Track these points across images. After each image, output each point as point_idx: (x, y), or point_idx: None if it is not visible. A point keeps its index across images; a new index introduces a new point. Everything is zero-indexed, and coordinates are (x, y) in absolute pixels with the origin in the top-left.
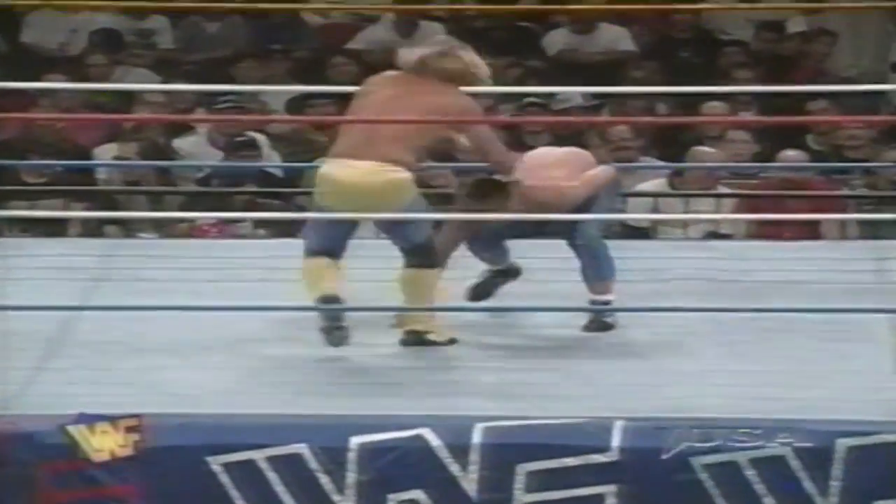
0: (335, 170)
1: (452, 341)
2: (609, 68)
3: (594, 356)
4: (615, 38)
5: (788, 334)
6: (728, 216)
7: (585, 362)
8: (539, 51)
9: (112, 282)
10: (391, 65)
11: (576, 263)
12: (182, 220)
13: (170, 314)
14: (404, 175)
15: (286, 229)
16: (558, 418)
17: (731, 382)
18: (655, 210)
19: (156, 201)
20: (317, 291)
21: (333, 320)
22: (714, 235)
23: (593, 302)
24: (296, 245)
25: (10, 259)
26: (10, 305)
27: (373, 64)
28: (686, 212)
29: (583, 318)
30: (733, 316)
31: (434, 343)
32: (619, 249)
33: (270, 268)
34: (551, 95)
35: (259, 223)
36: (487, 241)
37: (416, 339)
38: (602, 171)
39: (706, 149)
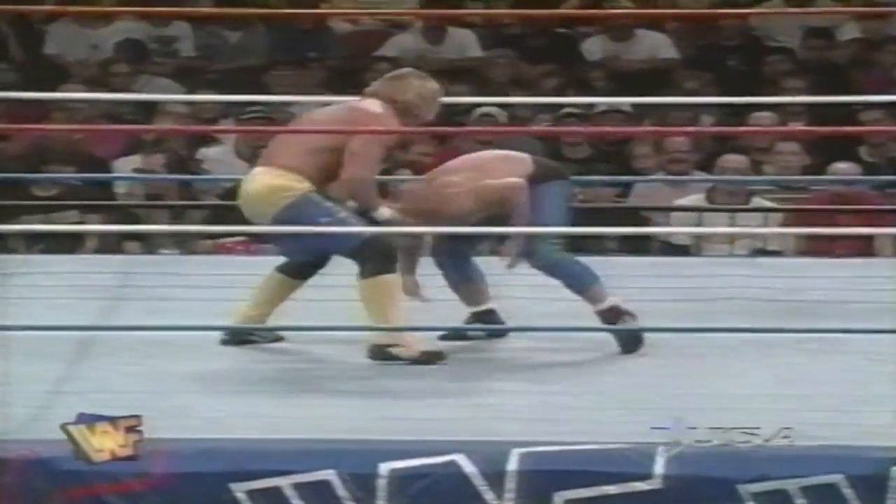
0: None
1: (430, 358)
2: (651, 77)
3: (636, 378)
4: (655, 46)
5: (840, 356)
6: (775, 231)
7: (626, 384)
8: (579, 58)
9: (131, 301)
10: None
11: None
12: (205, 236)
13: (191, 335)
14: (281, 180)
15: None
16: (598, 444)
17: (780, 406)
18: (698, 226)
19: (177, 216)
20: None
21: None
22: (761, 252)
23: (598, 313)
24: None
25: (25, 276)
26: (22, 326)
27: None
28: (731, 227)
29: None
30: (782, 336)
31: (398, 358)
32: (661, 267)
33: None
34: (591, 105)
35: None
36: (450, 257)
37: (380, 354)
38: (509, 183)
39: (736, 157)
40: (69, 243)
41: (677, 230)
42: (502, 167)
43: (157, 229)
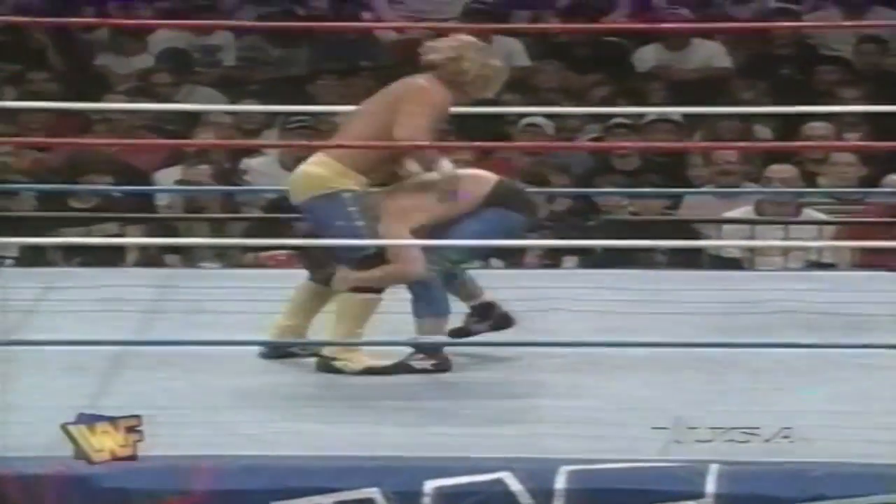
0: None
1: (376, 371)
2: (704, 86)
3: (687, 394)
4: (710, 55)
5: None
6: (829, 244)
7: (676, 400)
8: (629, 68)
9: (170, 314)
10: None
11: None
12: (248, 249)
13: (232, 349)
14: (323, 170)
15: None
16: (648, 461)
17: (836, 423)
18: (750, 238)
19: (219, 228)
20: None
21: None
22: (815, 265)
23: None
24: None
25: (64, 290)
26: (59, 340)
27: None
28: (784, 240)
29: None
30: (837, 352)
31: (342, 372)
32: (711, 281)
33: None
34: (641, 115)
35: None
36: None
37: (325, 365)
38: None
39: (784, 167)
40: (109, 256)
41: (728, 243)
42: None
43: (199, 242)
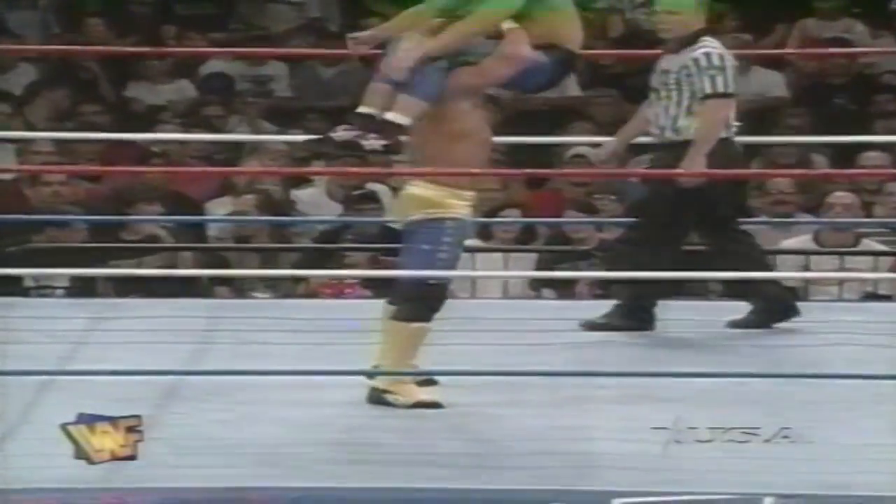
0: None
1: (427, 405)
2: (759, 115)
3: (741, 425)
4: (769, 84)
5: None
6: (886, 275)
7: (729, 434)
8: None
9: (220, 345)
10: (520, 111)
11: None
12: (296, 279)
13: (277, 381)
14: (427, 192)
15: None
16: (702, 494)
17: (893, 458)
18: (806, 269)
19: (269, 259)
20: None
21: None
22: (872, 297)
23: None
24: None
25: (115, 321)
26: (109, 371)
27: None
28: (840, 271)
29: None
30: (894, 384)
31: (392, 405)
32: None
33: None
34: None
35: (369, 282)
36: None
37: (376, 397)
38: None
39: (845, 194)
40: (160, 287)
41: (785, 275)
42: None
43: (248, 273)
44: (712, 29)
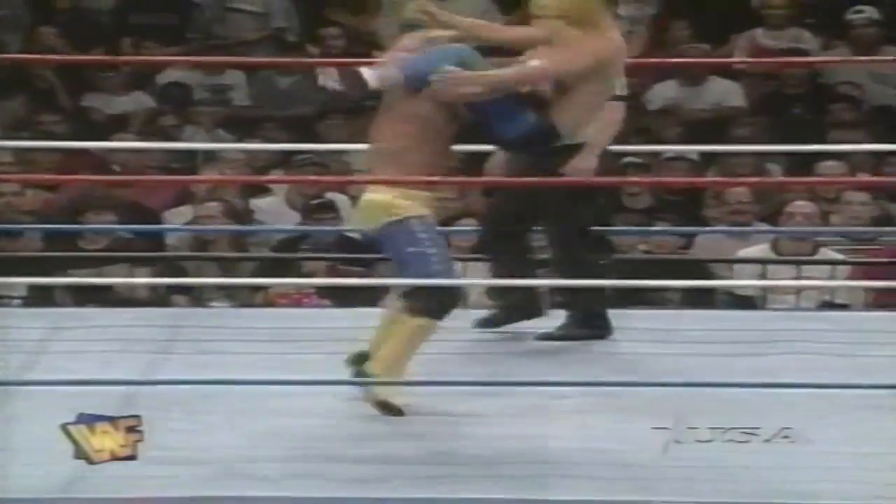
0: None
1: (391, 409)
2: (716, 125)
3: (706, 441)
4: (725, 93)
5: None
6: (843, 283)
7: (691, 442)
8: (641, 106)
9: (178, 354)
10: None
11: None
12: (255, 287)
13: (240, 390)
14: (382, 196)
15: (365, 298)
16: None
17: (851, 466)
18: (764, 278)
19: (228, 268)
20: None
21: None
22: (829, 305)
23: None
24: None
25: (73, 330)
26: (70, 381)
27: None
28: (797, 279)
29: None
30: (850, 393)
31: (364, 390)
32: (725, 320)
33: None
34: (655, 154)
35: (326, 291)
36: None
37: (360, 372)
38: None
39: (804, 203)
40: (117, 296)
41: (742, 283)
42: None
43: (208, 282)
44: None
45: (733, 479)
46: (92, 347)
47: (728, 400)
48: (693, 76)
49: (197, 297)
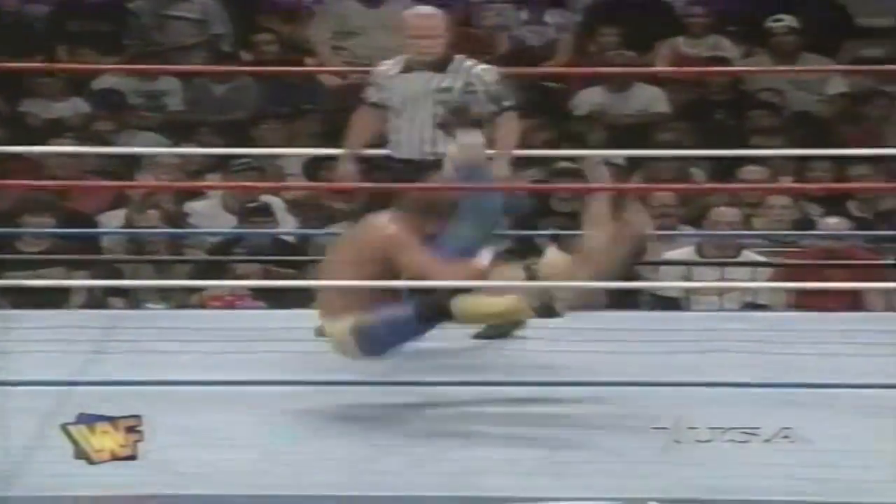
0: None
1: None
2: (641, 130)
3: (621, 431)
4: (650, 99)
5: (831, 411)
6: (765, 285)
7: (612, 437)
8: (567, 112)
9: (115, 354)
10: None
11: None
12: (190, 290)
13: (176, 389)
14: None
15: (298, 299)
16: (584, 500)
17: (772, 461)
18: (687, 279)
19: (164, 270)
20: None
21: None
22: (751, 306)
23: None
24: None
25: (10, 332)
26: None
27: None
28: (721, 281)
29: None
30: (773, 391)
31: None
32: (649, 321)
33: (283, 339)
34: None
35: (260, 293)
36: None
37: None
38: None
39: (728, 209)
40: (55, 299)
41: (666, 285)
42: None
43: (144, 284)
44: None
45: (650, 476)
46: (29, 348)
47: (653, 396)
48: (619, 83)
49: (133, 299)
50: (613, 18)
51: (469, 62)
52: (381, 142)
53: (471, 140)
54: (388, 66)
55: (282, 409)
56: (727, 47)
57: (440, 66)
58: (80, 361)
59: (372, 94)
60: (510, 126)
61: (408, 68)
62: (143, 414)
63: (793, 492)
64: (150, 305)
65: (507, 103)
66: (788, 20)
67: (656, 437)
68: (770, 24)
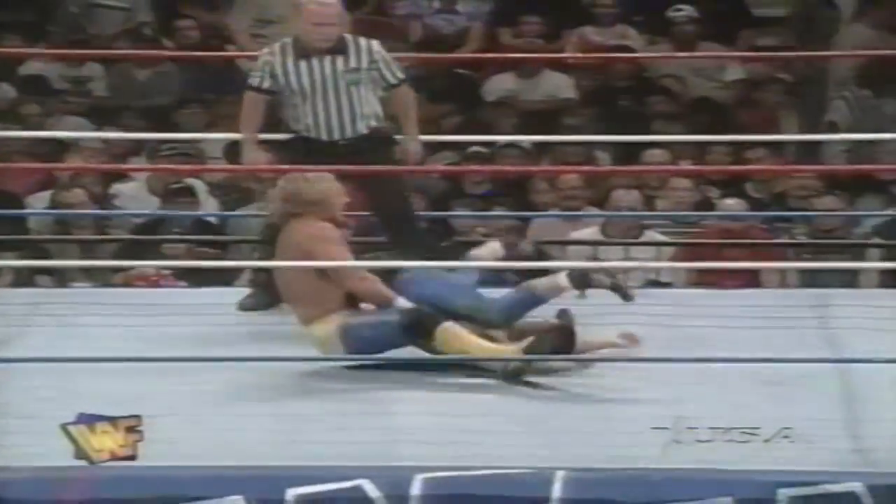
0: None
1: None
2: (548, 115)
3: (535, 402)
4: (557, 85)
5: (730, 377)
6: (667, 264)
7: (526, 409)
8: (478, 98)
9: (38, 329)
10: None
11: None
12: (115, 269)
13: (99, 366)
14: None
15: (221, 278)
16: (498, 468)
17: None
18: (593, 258)
19: (90, 250)
20: None
21: None
22: (654, 284)
23: None
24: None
25: None
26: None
27: None
28: (625, 260)
29: None
30: (675, 365)
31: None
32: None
33: (206, 315)
34: (493, 143)
35: (182, 272)
36: None
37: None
38: None
39: (627, 192)
40: None
41: (573, 264)
42: None
43: (72, 264)
44: None
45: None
46: None
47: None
48: (528, 70)
49: (59, 278)
50: (524, 8)
51: (361, 40)
52: (269, 126)
53: None
54: (276, 54)
55: (204, 381)
56: (633, 36)
57: (339, 49)
58: (7, 337)
59: (261, 81)
60: (410, 97)
61: (304, 54)
62: (68, 386)
63: (694, 459)
64: (75, 284)
65: (402, 75)
66: (688, 10)
67: (572, 407)
68: (671, 14)
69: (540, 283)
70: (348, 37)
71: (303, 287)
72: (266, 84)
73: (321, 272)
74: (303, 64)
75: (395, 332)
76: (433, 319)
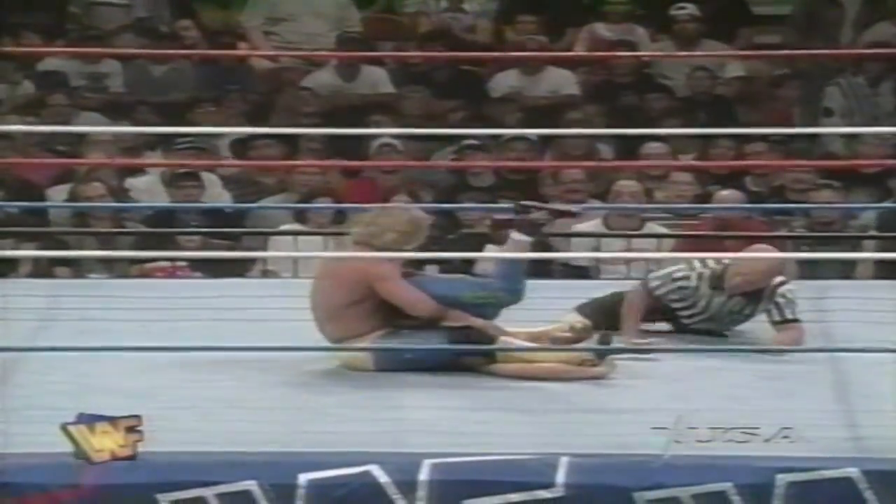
0: None
1: None
2: (552, 111)
3: (539, 393)
4: (561, 82)
5: (731, 372)
6: (668, 255)
7: (531, 399)
8: (483, 94)
9: (60, 322)
10: (336, 106)
11: None
12: (133, 261)
13: (117, 355)
14: None
15: (233, 269)
16: (504, 454)
17: (665, 415)
18: (596, 250)
19: (107, 242)
20: None
21: None
22: None
23: None
24: (244, 285)
25: None
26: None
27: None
28: (627, 251)
29: None
30: (676, 357)
31: None
32: (561, 289)
33: (221, 308)
34: (495, 137)
35: (198, 263)
36: None
37: None
38: None
39: (629, 182)
40: (3, 269)
41: (578, 255)
42: None
43: (89, 254)
44: None
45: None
46: None
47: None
48: (532, 66)
49: (77, 269)
50: (530, 6)
51: None
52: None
53: None
54: None
55: (225, 372)
56: (641, 34)
57: None
58: (25, 328)
59: None
60: None
61: None
62: (88, 378)
63: (691, 446)
64: (93, 275)
65: None
66: (690, 8)
67: (566, 395)
68: (674, 11)
69: (506, 247)
70: None
71: (336, 308)
72: None
73: (357, 295)
74: None
75: (443, 353)
76: (486, 336)
